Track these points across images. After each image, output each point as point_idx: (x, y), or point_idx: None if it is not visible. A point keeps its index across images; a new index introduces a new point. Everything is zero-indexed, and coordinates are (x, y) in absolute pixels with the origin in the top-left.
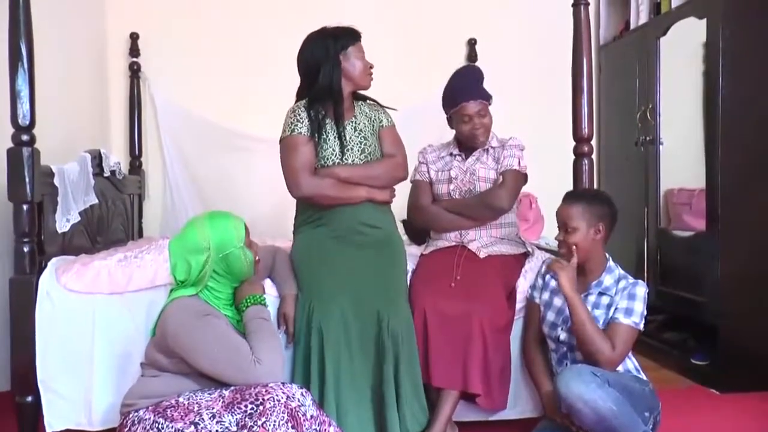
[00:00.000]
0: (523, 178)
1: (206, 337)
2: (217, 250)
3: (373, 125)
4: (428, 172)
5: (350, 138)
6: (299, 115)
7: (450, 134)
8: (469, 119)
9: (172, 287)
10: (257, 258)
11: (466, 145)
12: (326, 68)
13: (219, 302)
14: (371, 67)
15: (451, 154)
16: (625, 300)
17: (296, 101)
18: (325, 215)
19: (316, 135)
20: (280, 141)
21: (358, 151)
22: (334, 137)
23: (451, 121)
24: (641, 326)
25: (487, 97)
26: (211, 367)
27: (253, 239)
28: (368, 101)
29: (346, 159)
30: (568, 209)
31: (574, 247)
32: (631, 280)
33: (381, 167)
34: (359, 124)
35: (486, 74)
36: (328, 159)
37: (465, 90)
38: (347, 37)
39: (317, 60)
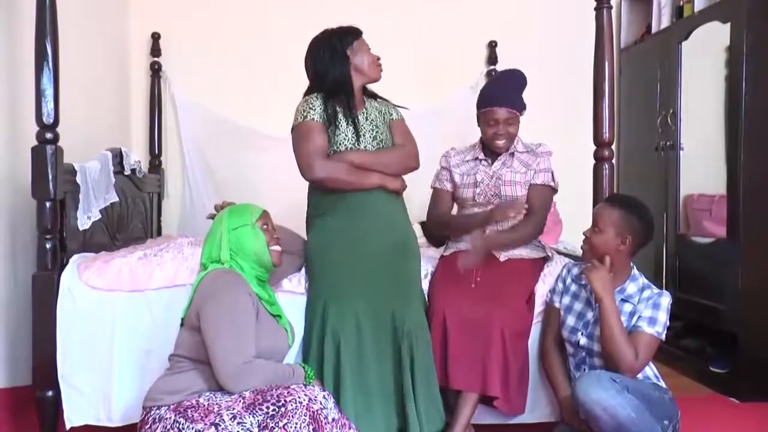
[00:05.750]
0: (553, 193)
1: (229, 311)
2: (229, 225)
3: (383, 117)
4: (451, 179)
5: (362, 125)
6: (312, 103)
7: (471, 136)
8: (495, 123)
9: (200, 272)
10: (278, 247)
11: (490, 149)
12: (335, 65)
13: (251, 281)
14: (379, 59)
15: (476, 159)
16: (649, 309)
17: (305, 94)
18: (337, 204)
19: (329, 122)
20: (293, 129)
21: (371, 137)
22: (347, 124)
23: (479, 120)
24: (663, 336)
25: (519, 107)
26: (211, 334)
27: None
28: (379, 99)
29: (359, 145)
30: (604, 209)
31: (607, 258)
32: (655, 290)
33: (393, 155)
34: (370, 114)
35: None
36: (341, 145)
37: (499, 94)
38: (350, 34)
39: (326, 59)
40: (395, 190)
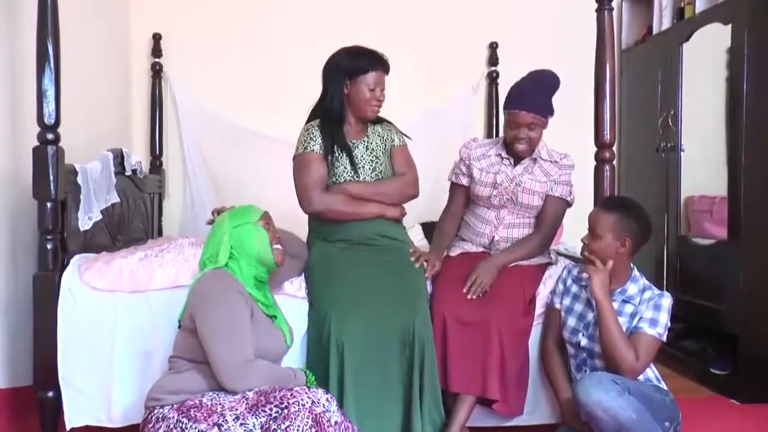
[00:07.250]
0: (567, 207)
1: (224, 310)
2: (231, 224)
3: (385, 144)
4: (468, 174)
5: (362, 156)
6: (312, 133)
7: (471, 137)
8: (516, 127)
9: (197, 275)
10: (280, 246)
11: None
12: (331, 91)
13: (247, 282)
14: (380, 99)
15: (499, 155)
16: (650, 310)
17: (309, 115)
18: (338, 230)
19: (329, 153)
20: (294, 158)
21: (369, 169)
22: (346, 156)
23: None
24: (665, 337)
25: (545, 112)
26: (208, 335)
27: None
28: (384, 123)
29: (357, 177)
30: (600, 215)
31: (609, 261)
32: (656, 291)
33: (392, 184)
34: (371, 143)
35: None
36: (339, 176)
37: (525, 97)
38: (363, 63)
39: (327, 81)
40: (394, 218)
